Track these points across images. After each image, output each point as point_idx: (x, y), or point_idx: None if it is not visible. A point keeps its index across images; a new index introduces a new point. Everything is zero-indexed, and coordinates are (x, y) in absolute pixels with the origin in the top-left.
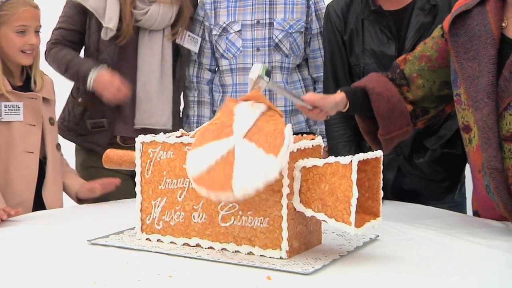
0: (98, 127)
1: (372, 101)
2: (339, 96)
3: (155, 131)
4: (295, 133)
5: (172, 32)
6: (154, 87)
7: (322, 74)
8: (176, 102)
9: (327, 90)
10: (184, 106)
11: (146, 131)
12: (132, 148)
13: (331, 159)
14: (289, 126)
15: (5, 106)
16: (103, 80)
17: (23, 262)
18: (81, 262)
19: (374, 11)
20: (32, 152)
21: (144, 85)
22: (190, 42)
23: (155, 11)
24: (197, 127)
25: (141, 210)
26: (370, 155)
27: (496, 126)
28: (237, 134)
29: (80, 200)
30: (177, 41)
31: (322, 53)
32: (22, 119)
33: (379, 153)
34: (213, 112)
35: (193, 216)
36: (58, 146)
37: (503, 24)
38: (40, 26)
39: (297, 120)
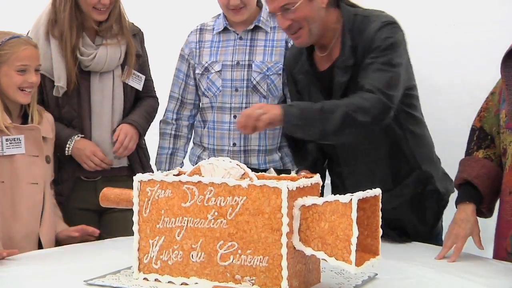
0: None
1: (478, 186)
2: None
3: (112, 170)
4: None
5: (122, 72)
6: (106, 128)
7: None
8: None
9: None
10: (160, 136)
11: (105, 169)
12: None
13: (331, 197)
14: None
15: (6, 140)
16: (87, 151)
17: None
18: None
19: (307, 71)
20: (37, 183)
21: (98, 126)
22: (134, 80)
23: (102, 54)
24: (170, 159)
25: (138, 249)
26: (369, 193)
27: None
28: None
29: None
30: (122, 79)
31: None
32: (24, 152)
33: (377, 191)
34: (193, 144)
35: (192, 255)
36: (51, 185)
37: None
38: (40, 65)
39: (272, 158)
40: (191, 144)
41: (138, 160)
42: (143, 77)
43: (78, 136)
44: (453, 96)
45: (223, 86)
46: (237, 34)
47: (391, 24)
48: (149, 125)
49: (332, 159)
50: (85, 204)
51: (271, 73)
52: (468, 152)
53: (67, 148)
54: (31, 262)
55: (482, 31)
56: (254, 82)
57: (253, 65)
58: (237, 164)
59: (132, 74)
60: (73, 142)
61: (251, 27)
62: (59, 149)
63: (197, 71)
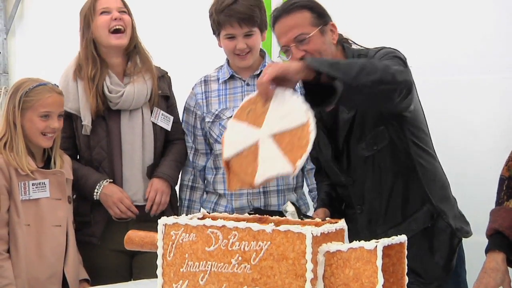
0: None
1: (510, 237)
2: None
3: (142, 208)
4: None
5: (151, 111)
6: (137, 165)
7: None
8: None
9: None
10: (179, 187)
11: (136, 207)
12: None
13: (355, 244)
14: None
15: (33, 184)
16: (114, 198)
17: None
18: None
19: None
20: (60, 226)
21: (129, 164)
22: (163, 121)
23: (130, 91)
24: (187, 211)
25: None
26: (395, 240)
27: None
28: (265, 131)
29: None
30: (152, 119)
31: None
32: (48, 195)
33: (403, 238)
34: (206, 193)
35: None
36: (72, 223)
37: None
38: (63, 111)
39: (289, 198)
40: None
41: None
42: (172, 117)
43: (107, 181)
44: (490, 139)
45: None
46: (244, 80)
47: (390, 48)
48: (179, 172)
49: (343, 202)
50: (117, 246)
51: None
52: (499, 202)
53: (95, 193)
54: None
55: None
56: None
57: None
58: None
59: (159, 114)
60: (101, 188)
61: (258, 72)
62: (87, 193)
63: (207, 120)
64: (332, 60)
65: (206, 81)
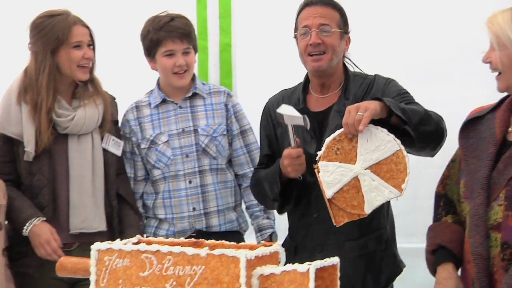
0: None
1: (453, 251)
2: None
3: (90, 235)
4: (226, 231)
5: (100, 134)
6: (86, 191)
7: (246, 170)
8: (108, 203)
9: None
10: None
11: (83, 235)
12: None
13: (289, 266)
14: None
15: None
16: (42, 238)
17: None
18: None
19: (300, 110)
20: None
21: (77, 190)
22: (114, 146)
23: (81, 116)
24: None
25: None
26: (327, 262)
27: (485, 215)
28: (360, 165)
29: None
30: (103, 145)
31: (244, 151)
32: None
33: (335, 260)
34: (145, 218)
35: None
36: (4, 252)
37: (509, 129)
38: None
39: (230, 219)
40: None
41: (117, 224)
42: (122, 142)
43: (39, 220)
44: None
45: (173, 154)
46: (176, 103)
47: (397, 83)
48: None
49: (300, 205)
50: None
51: (217, 135)
52: (437, 218)
53: (24, 230)
54: None
55: None
56: (203, 145)
57: (199, 130)
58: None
59: (110, 139)
60: (31, 226)
61: (189, 94)
62: (18, 227)
63: (142, 146)
64: (400, 104)
65: (138, 107)
